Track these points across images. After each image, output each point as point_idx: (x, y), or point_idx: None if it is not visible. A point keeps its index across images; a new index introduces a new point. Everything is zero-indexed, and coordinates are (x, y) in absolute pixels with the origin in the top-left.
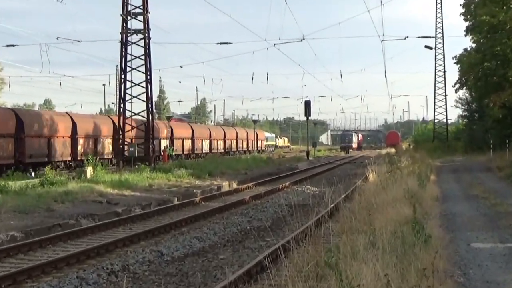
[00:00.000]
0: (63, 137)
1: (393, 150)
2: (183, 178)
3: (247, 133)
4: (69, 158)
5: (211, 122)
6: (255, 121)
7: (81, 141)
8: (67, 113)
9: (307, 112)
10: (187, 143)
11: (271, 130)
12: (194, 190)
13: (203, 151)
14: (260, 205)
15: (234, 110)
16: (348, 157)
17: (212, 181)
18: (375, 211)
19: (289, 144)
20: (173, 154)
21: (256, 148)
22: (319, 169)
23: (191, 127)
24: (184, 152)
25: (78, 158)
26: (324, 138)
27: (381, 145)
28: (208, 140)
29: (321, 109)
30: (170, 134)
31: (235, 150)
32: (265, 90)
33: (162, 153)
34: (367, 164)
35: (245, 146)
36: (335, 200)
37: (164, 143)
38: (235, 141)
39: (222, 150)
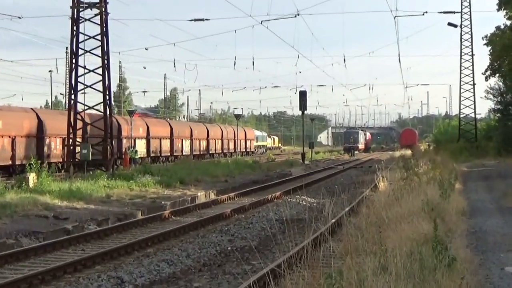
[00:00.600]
0: (1, 137)
1: (409, 151)
2: (149, 187)
3: (235, 132)
4: (8, 163)
5: (184, 117)
6: (238, 116)
7: (20, 142)
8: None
9: (303, 105)
10: (166, 143)
11: (258, 127)
12: (163, 202)
13: (184, 153)
14: (244, 220)
15: (211, 103)
16: (353, 161)
17: (184, 190)
18: (387, 227)
19: (280, 144)
20: (137, 157)
21: (244, 150)
22: (317, 176)
23: (169, 124)
24: (162, 154)
25: (17, 163)
26: (324, 137)
27: (394, 145)
28: (189, 140)
29: (320, 102)
30: (146, 132)
31: (220, 151)
32: (250, 78)
33: (124, 156)
34: (376, 169)
35: (231, 147)
36: (337, 214)
37: (127, 143)
38: (219, 141)
39: (205, 151)
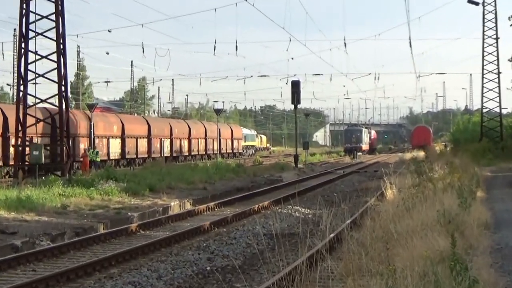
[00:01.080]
0: None
1: (421, 153)
2: (113, 195)
3: (219, 130)
4: None
5: (154, 112)
6: (218, 111)
7: None
8: None
9: (295, 98)
10: (143, 144)
11: (242, 124)
12: (129, 213)
13: (163, 154)
14: (226, 234)
15: (187, 95)
16: (356, 164)
17: (155, 199)
18: (396, 243)
19: (268, 145)
20: (98, 159)
21: (231, 151)
22: (313, 182)
23: (147, 121)
24: (139, 155)
25: None
26: (321, 136)
27: (404, 146)
28: (169, 140)
29: (316, 94)
30: (121, 130)
31: (203, 152)
32: (233, 65)
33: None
34: (383, 174)
35: (215, 147)
36: (336, 227)
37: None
38: (203, 140)
39: (187, 153)
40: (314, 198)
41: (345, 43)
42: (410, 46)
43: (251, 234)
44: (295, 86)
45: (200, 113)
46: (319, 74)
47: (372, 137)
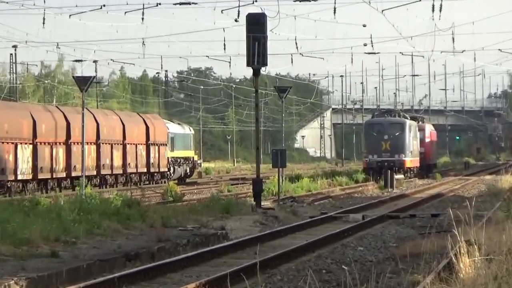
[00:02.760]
0: None
1: None
2: None
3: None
4: None
5: None
6: (83, 81)
7: None
8: None
9: (257, 52)
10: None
11: (134, 108)
12: None
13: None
14: None
15: (15, 49)
16: (391, 200)
17: None
18: None
19: (196, 157)
20: None
21: (146, 169)
22: (295, 240)
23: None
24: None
25: None
26: (313, 137)
27: (498, 157)
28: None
29: (305, 46)
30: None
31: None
32: None
33: None
34: (452, 222)
35: (118, 162)
36: None
37: None
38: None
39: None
40: (299, 276)
41: None
42: None
43: None
44: (256, 25)
45: (43, 87)
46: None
47: (426, 140)
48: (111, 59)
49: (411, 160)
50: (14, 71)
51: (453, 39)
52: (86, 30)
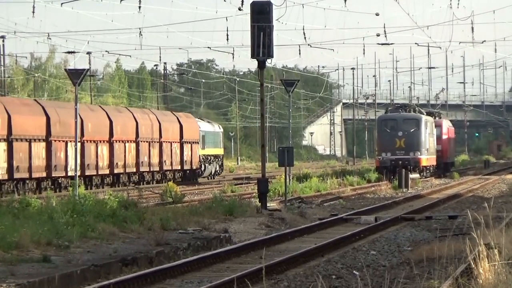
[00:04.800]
0: None
1: None
2: None
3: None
4: None
5: None
6: (76, 74)
7: None
8: None
9: (262, 43)
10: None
11: (131, 103)
12: None
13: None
14: None
15: (2, 40)
16: (406, 201)
17: None
18: None
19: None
20: None
21: (180, 167)
22: (302, 244)
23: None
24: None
25: None
26: (322, 134)
27: None
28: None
29: (313, 36)
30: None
31: (122, 170)
32: None
33: None
34: (471, 224)
35: (155, 159)
36: None
37: None
38: (130, 146)
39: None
40: (307, 282)
41: None
42: None
43: None
44: (261, 14)
45: (37, 80)
46: None
47: (444, 137)
48: (106, 51)
49: (427, 158)
50: (2, 64)
51: (472, 28)
52: (79, 19)
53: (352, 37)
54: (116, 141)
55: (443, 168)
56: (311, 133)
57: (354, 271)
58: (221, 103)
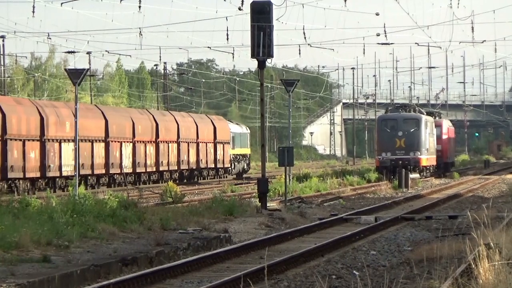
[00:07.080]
0: None
1: None
2: None
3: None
4: None
5: None
6: (76, 74)
7: None
8: None
9: (262, 43)
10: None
11: (132, 103)
12: None
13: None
14: None
15: (2, 40)
16: (406, 201)
17: None
18: None
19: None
20: None
21: (213, 165)
22: (302, 244)
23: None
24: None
25: None
26: (321, 134)
27: None
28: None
29: (313, 37)
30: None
31: (166, 168)
32: None
33: None
34: (471, 224)
35: (190, 159)
36: None
37: None
38: (173, 146)
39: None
40: (307, 282)
41: None
42: None
43: None
44: (262, 13)
45: (36, 80)
46: None
47: (444, 136)
48: (106, 51)
49: (427, 158)
50: (2, 63)
51: (472, 28)
52: (79, 19)
53: (352, 37)
54: (161, 141)
55: (443, 168)
56: (311, 133)
57: (354, 271)
58: (221, 103)
